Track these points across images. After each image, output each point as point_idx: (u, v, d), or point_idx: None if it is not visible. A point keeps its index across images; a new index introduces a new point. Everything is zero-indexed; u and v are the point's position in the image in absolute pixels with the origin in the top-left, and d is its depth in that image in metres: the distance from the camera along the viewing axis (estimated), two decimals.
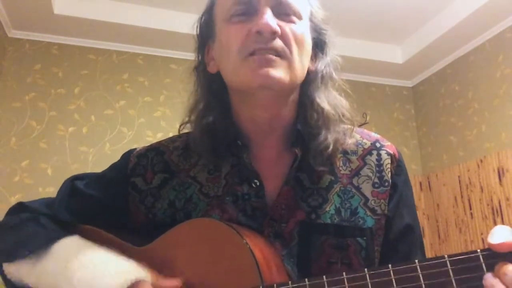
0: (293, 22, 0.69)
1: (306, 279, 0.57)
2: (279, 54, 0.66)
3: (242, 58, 0.66)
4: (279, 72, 0.65)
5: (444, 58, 3.47)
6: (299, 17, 0.70)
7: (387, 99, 3.82)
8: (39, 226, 0.72)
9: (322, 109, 0.71)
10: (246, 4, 0.68)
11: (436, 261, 0.51)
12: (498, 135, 2.97)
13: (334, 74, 0.76)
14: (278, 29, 0.65)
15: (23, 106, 2.80)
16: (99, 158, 2.86)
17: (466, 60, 3.30)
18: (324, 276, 0.56)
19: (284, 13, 0.69)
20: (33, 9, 2.63)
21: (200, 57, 0.78)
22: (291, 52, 0.67)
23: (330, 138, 0.70)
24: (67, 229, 0.73)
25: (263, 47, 0.65)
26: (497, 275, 0.48)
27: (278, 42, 0.66)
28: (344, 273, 0.55)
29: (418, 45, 3.35)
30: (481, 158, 3.08)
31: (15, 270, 0.69)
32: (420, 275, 0.51)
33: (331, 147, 0.70)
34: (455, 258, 0.50)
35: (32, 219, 0.74)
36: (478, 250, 0.50)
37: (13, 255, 0.69)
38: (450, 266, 0.50)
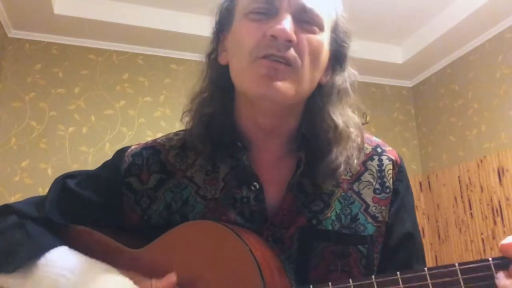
0: (312, 32, 0.65)
1: (311, 286, 0.56)
2: (289, 64, 0.63)
3: (251, 61, 0.63)
4: (285, 86, 0.62)
5: (444, 58, 3.46)
6: (321, 28, 0.66)
7: (387, 99, 3.82)
8: (25, 235, 0.67)
9: (336, 125, 0.68)
10: (267, 4, 0.64)
11: (446, 269, 0.50)
12: (498, 135, 2.97)
13: (350, 90, 0.73)
14: (294, 38, 0.62)
15: (23, 106, 2.79)
16: (99, 158, 2.85)
17: (466, 60, 3.29)
18: (330, 283, 0.55)
19: (306, 21, 0.65)
20: (33, 9, 2.62)
21: (214, 45, 0.74)
22: (302, 64, 0.64)
23: (341, 157, 0.68)
24: (55, 236, 0.70)
25: (275, 54, 0.62)
26: (510, 276, 0.48)
27: (291, 52, 0.63)
28: (350, 280, 0.54)
29: (418, 45, 3.34)
30: (481, 158, 3.08)
31: (3, 281, 0.65)
32: (430, 285, 0.50)
33: (342, 167, 0.68)
34: (466, 266, 0.49)
35: (18, 226, 0.69)
36: (490, 259, 0.49)
37: None
38: (461, 275, 0.49)
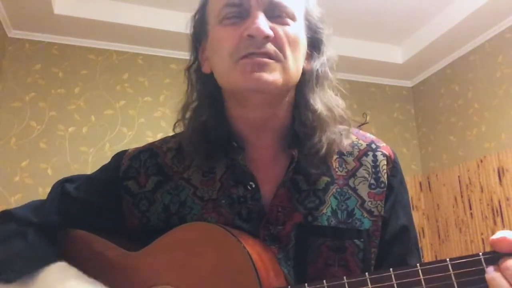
0: (286, 24, 0.67)
1: (306, 284, 0.56)
2: (271, 58, 0.64)
3: (233, 62, 0.65)
4: (272, 76, 0.64)
5: (444, 58, 3.47)
6: (293, 18, 0.69)
7: (387, 99, 3.82)
8: (26, 245, 0.68)
9: (316, 110, 0.70)
10: (238, 7, 0.66)
11: (438, 264, 0.50)
12: (498, 135, 2.97)
13: (329, 73, 0.75)
14: (270, 33, 0.64)
15: (23, 106, 2.80)
16: (99, 158, 2.86)
17: (466, 60, 3.29)
18: (324, 281, 0.55)
19: (277, 15, 0.67)
20: (33, 9, 2.63)
21: (193, 57, 0.77)
22: (284, 55, 0.66)
23: (324, 140, 0.69)
24: (55, 245, 0.70)
25: (255, 52, 0.64)
26: (499, 269, 0.49)
27: (270, 46, 0.64)
28: (344, 277, 0.54)
29: (418, 45, 3.34)
30: (481, 158, 3.08)
31: None
32: (422, 280, 0.50)
33: (324, 149, 0.69)
34: (457, 261, 0.50)
35: (19, 234, 0.70)
36: (480, 254, 0.50)
37: None
38: (452, 270, 0.50)
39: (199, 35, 0.75)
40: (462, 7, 2.89)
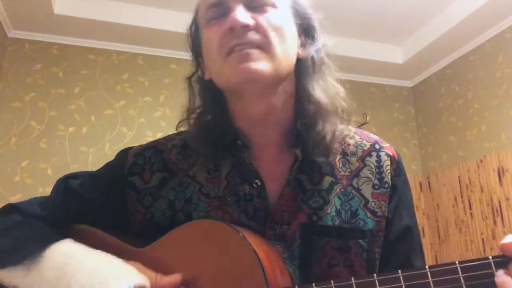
0: (267, 12, 0.68)
1: (314, 284, 0.57)
2: (257, 46, 0.65)
3: (222, 59, 0.66)
4: (259, 64, 0.64)
5: (444, 58, 3.47)
6: (273, 6, 0.69)
7: (387, 99, 3.82)
8: (31, 230, 0.69)
9: (318, 101, 0.70)
10: (218, 6, 0.68)
11: (447, 267, 0.50)
12: (498, 135, 2.97)
13: (326, 59, 0.75)
14: (248, 21, 0.65)
15: (23, 106, 2.79)
16: (99, 158, 2.85)
17: (466, 60, 3.29)
18: (332, 281, 0.56)
19: (257, 5, 0.68)
20: (33, 9, 2.62)
21: (195, 66, 0.78)
22: (269, 42, 0.66)
23: (328, 128, 0.69)
24: (60, 232, 0.70)
25: (240, 43, 0.65)
26: (509, 273, 0.49)
27: (253, 35, 0.65)
28: (352, 278, 0.54)
29: (418, 45, 3.35)
30: (481, 158, 3.08)
31: (7, 276, 0.65)
32: (431, 282, 0.50)
33: (328, 137, 0.69)
34: (466, 264, 0.50)
35: (24, 223, 0.71)
36: (490, 257, 0.50)
37: (4, 261, 0.65)
38: (462, 273, 0.50)
39: (197, 46, 0.77)
40: (462, 7, 2.89)
